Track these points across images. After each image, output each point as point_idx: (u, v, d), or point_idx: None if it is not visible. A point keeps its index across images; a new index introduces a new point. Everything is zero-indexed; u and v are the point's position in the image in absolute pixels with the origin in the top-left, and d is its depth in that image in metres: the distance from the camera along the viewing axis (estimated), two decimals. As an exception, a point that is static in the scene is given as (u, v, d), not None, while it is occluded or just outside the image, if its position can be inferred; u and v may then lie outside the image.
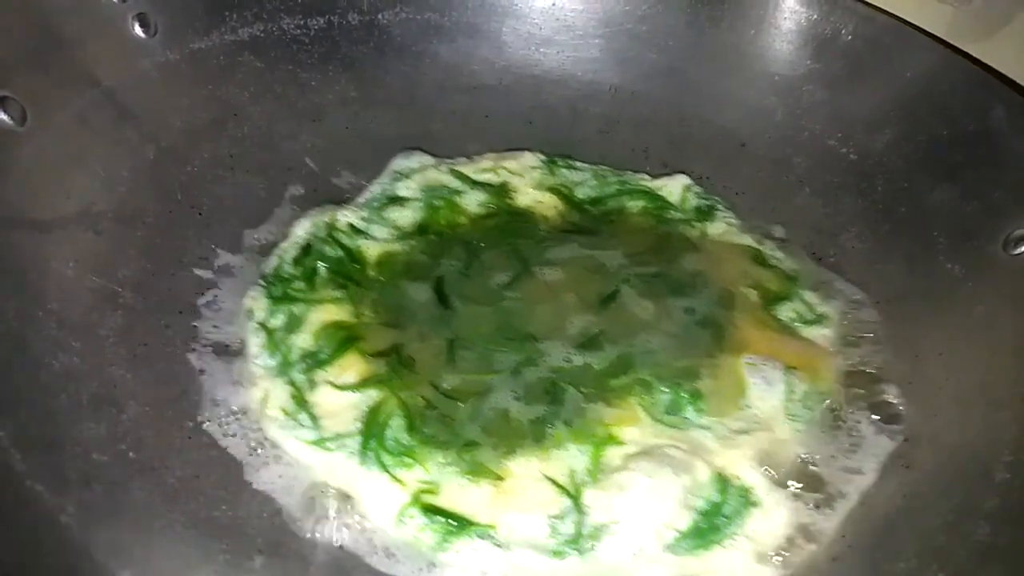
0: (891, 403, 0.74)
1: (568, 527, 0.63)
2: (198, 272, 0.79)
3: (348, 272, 0.78)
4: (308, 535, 0.62)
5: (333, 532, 0.62)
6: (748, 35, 0.97)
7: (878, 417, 0.73)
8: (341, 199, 0.88)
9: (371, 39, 0.98)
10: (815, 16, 0.94)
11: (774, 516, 0.64)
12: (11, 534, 0.53)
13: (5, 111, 0.73)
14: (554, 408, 0.69)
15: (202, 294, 0.77)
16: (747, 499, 0.65)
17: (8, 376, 0.62)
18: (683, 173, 0.92)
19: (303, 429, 0.67)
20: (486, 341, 0.74)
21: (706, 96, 0.98)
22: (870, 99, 0.91)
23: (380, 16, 0.98)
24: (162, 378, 0.70)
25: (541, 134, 0.97)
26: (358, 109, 0.96)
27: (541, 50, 1.01)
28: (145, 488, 0.62)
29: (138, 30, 0.84)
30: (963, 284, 0.79)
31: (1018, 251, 0.77)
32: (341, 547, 0.62)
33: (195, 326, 0.75)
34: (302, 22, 0.95)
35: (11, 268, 0.68)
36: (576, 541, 0.62)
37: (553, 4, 1.01)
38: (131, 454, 0.63)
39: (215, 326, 0.75)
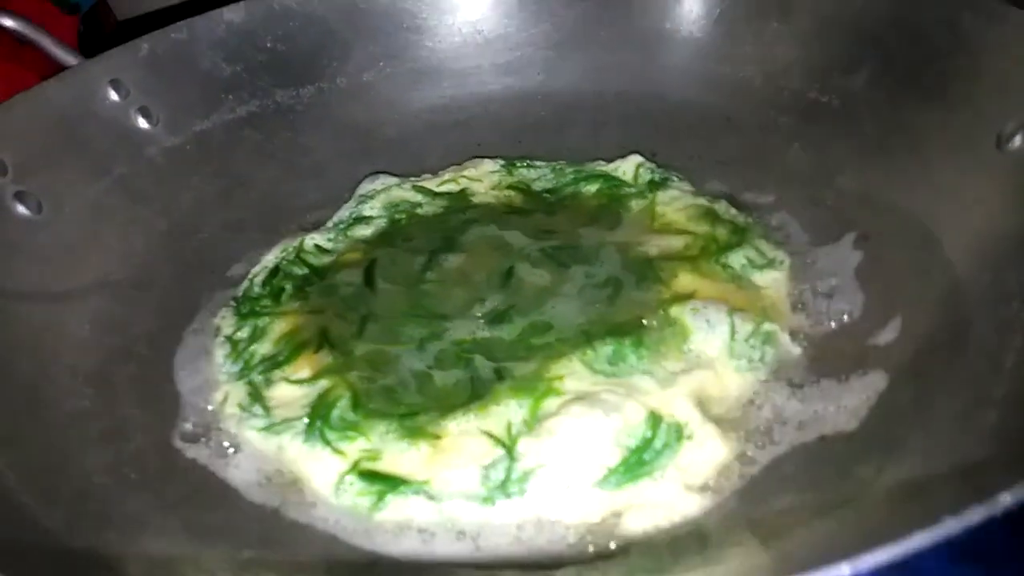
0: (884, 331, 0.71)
1: (499, 474, 0.63)
2: (210, 321, 0.83)
3: (311, 284, 0.83)
4: (289, 522, 0.63)
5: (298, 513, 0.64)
6: (713, 15, 0.99)
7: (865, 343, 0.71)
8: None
9: (360, 97, 1.04)
10: (773, -21, 0.95)
11: (706, 448, 0.63)
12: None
13: (22, 203, 0.82)
14: (470, 372, 0.70)
15: (214, 337, 0.81)
16: (679, 434, 0.63)
17: (18, 418, 0.67)
18: (637, 153, 0.92)
19: (255, 418, 0.70)
20: (397, 318, 0.77)
21: (685, 81, 0.99)
22: (841, 43, 0.90)
23: (365, 76, 1.05)
24: (172, 411, 0.73)
25: (532, 151, 0.99)
26: (357, 159, 1.01)
27: (522, 74, 1.05)
28: (140, 501, 0.64)
29: (141, 122, 0.93)
30: (962, 193, 0.75)
31: (1012, 145, 0.73)
32: (334, 537, 0.63)
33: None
34: (294, 93, 1.02)
35: (28, 332, 0.75)
36: (504, 486, 0.62)
37: (528, 32, 1.06)
38: (132, 475, 0.67)
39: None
